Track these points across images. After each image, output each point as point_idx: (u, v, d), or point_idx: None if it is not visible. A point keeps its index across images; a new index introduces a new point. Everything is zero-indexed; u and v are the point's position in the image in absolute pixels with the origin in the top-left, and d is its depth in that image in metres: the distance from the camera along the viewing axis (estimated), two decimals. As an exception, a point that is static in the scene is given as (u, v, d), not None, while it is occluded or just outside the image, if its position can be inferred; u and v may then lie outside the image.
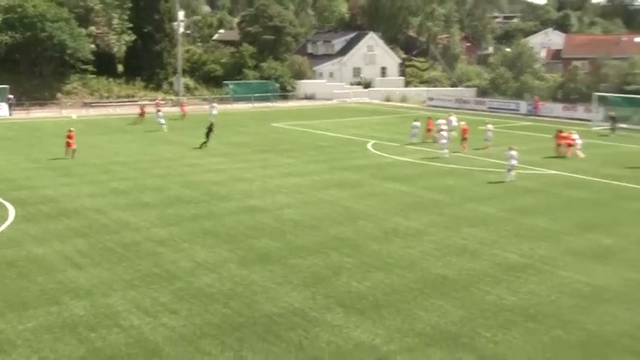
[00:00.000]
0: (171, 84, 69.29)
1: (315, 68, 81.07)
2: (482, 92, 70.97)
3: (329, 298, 15.57)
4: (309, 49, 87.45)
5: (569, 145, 35.66)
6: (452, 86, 78.75)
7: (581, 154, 34.94)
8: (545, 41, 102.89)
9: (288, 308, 14.96)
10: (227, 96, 68.06)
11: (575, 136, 36.00)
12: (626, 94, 55.03)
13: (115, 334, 13.44)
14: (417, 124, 40.04)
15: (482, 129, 41.29)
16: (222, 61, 75.48)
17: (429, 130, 39.34)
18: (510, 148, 29.79)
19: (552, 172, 31.32)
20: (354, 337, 13.56)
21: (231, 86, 69.27)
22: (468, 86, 76.63)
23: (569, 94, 67.04)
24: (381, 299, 15.60)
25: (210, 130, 38.58)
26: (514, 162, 29.26)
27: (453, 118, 43.86)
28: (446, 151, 35.02)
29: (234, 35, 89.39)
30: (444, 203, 25.15)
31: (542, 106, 57.62)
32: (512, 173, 29.27)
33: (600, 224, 22.16)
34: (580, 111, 53.91)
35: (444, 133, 35.61)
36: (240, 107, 64.37)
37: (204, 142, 38.16)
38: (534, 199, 26.02)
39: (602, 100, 52.58)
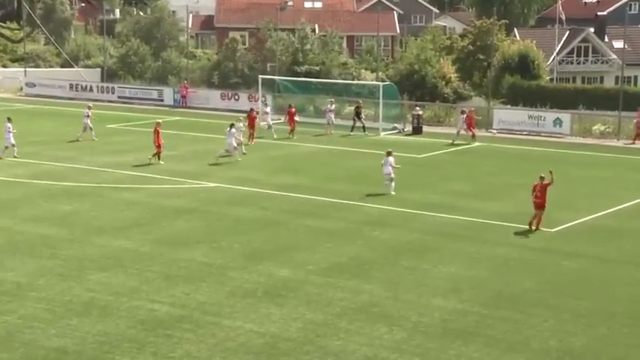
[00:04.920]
0: None
1: None
2: (110, 75, 71.63)
3: None
4: None
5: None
6: (63, 66, 77.80)
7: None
8: (192, 4, 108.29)
9: None
10: None
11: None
12: (296, 77, 60.79)
13: None
14: (9, 125, 38.64)
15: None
16: None
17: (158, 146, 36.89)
18: (388, 154, 31.74)
19: (212, 184, 33.04)
20: None
21: None
22: (87, 66, 76.57)
23: (229, 77, 71.45)
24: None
25: None
26: (390, 170, 31.49)
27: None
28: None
29: None
30: (59, 240, 24.88)
31: (193, 95, 60.29)
32: (390, 183, 31.62)
33: (274, 251, 24.05)
34: (243, 100, 57.68)
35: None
36: None
37: None
38: (190, 223, 27.16)
39: (270, 85, 57.14)
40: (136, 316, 18.80)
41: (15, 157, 37.90)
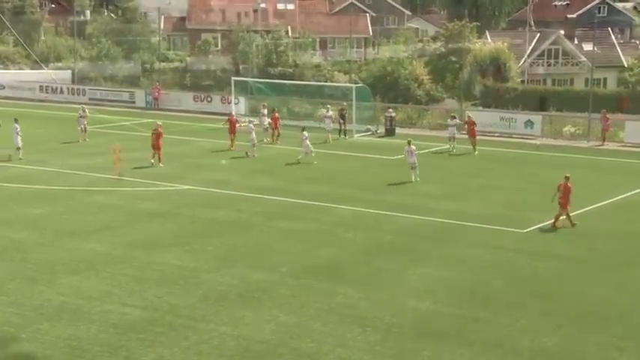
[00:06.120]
0: None
1: None
2: (81, 77, 71.27)
3: None
4: None
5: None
6: (33, 68, 77.19)
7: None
8: (164, 5, 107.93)
9: None
10: None
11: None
12: (270, 79, 60.76)
13: None
14: (17, 126, 38.73)
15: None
16: None
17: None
18: (409, 143, 34.53)
19: (185, 186, 32.95)
20: None
21: None
22: (58, 68, 76.07)
23: (202, 78, 71.38)
24: None
25: None
26: (414, 159, 34.11)
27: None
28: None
29: None
30: (30, 243, 24.78)
31: (165, 96, 60.15)
32: (415, 171, 34.14)
33: (247, 253, 24.04)
34: (216, 102, 57.62)
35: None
36: None
37: None
38: (162, 226, 27.09)
39: (243, 87, 57.10)
40: (108, 319, 18.70)
41: (20, 158, 37.78)
